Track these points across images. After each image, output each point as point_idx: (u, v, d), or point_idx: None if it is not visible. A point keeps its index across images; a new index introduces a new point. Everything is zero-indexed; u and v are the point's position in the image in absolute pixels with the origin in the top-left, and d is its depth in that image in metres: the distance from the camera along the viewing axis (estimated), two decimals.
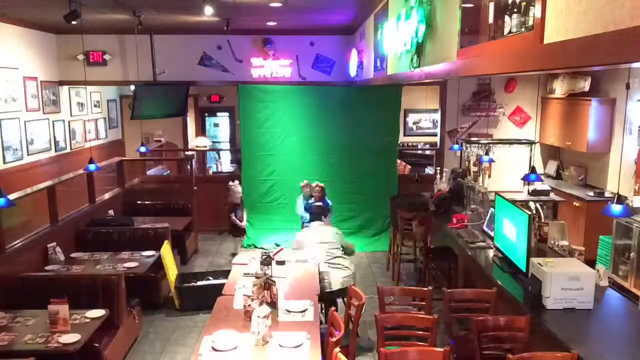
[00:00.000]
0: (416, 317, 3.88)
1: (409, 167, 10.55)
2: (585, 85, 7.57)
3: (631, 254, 5.68)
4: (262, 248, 8.28)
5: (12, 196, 4.69)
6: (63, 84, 8.60)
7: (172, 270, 6.03)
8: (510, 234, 4.46)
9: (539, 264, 3.79)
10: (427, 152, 11.84)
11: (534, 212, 5.30)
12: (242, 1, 6.13)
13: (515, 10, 2.60)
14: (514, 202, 4.71)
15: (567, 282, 3.59)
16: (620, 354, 3.20)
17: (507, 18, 2.69)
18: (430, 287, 4.19)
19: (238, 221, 8.73)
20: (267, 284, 3.90)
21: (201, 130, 13.16)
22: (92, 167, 6.25)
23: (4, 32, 7.13)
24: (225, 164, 12.86)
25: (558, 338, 3.20)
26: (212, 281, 6.09)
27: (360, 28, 7.71)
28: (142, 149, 8.31)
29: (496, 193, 5.19)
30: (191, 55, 8.66)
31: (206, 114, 13.76)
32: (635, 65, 2.34)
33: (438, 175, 7.52)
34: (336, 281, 4.97)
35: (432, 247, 6.02)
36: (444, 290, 4.06)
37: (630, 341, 3.42)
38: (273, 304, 3.82)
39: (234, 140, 13.58)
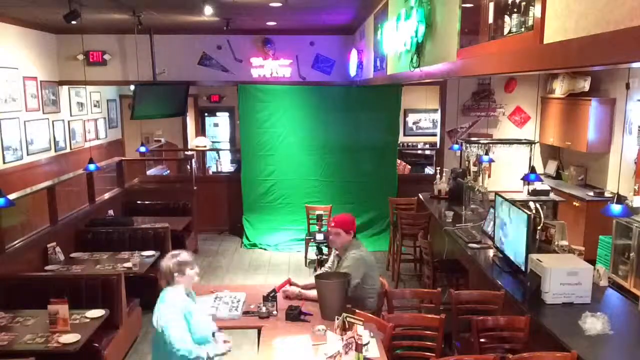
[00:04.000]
0: (423, 317, 3.79)
1: (409, 167, 10.55)
2: (585, 85, 7.58)
3: (631, 254, 5.68)
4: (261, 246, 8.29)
5: (12, 196, 4.69)
6: (63, 84, 8.61)
7: None
8: (510, 234, 4.46)
9: (538, 259, 3.83)
10: (427, 152, 11.85)
11: (534, 212, 5.28)
12: (242, 1, 6.13)
13: (515, 10, 2.60)
14: (513, 202, 4.71)
15: (566, 277, 3.69)
16: (613, 345, 3.27)
17: (507, 18, 2.69)
18: (439, 289, 4.14)
19: None
20: (348, 324, 3.10)
21: (201, 130, 13.16)
22: (92, 167, 6.25)
23: (4, 32, 7.13)
24: (225, 164, 12.86)
25: (557, 330, 3.29)
26: None
27: (360, 28, 7.71)
28: (142, 149, 8.32)
29: (496, 193, 5.18)
30: (191, 55, 8.66)
31: (206, 114, 13.76)
32: (635, 65, 2.34)
33: (438, 175, 7.52)
34: None
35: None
36: (450, 291, 4.05)
37: (626, 332, 3.47)
38: (359, 348, 2.94)
39: (233, 140, 13.58)
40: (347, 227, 4.21)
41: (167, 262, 3.28)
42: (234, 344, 5.18)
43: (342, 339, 3.04)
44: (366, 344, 3.22)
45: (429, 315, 3.73)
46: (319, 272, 4.56)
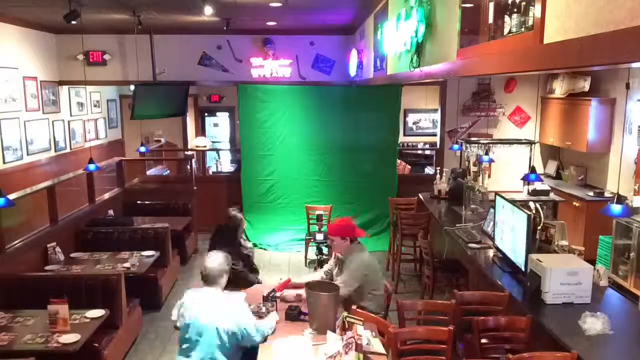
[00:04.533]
0: (431, 330, 3.61)
1: (409, 167, 10.55)
2: (585, 85, 7.58)
3: (631, 254, 5.68)
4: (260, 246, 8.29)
5: (12, 196, 4.69)
6: (63, 83, 8.61)
7: None
8: (510, 234, 4.46)
9: (537, 259, 3.83)
10: (427, 152, 11.85)
11: (534, 212, 5.28)
12: (242, 1, 6.13)
13: (515, 10, 2.60)
14: (513, 202, 4.71)
15: (566, 277, 3.68)
16: (614, 345, 3.27)
17: (507, 18, 2.69)
18: (453, 301, 3.96)
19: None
20: (348, 324, 3.05)
21: (201, 130, 13.16)
22: (92, 167, 6.25)
23: (4, 32, 7.13)
24: (225, 164, 12.86)
25: (557, 330, 3.30)
26: None
27: (360, 28, 7.72)
28: (142, 149, 8.32)
29: (496, 193, 5.18)
30: (191, 55, 8.66)
31: (206, 114, 13.76)
32: (635, 65, 2.34)
33: (438, 175, 7.52)
34: None
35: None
36: (454, 292, 4.03)
37: (626, 332, 3.47)
38: (359, 348, 2.94)
39: (233, 140, 13.58)
40: (341, 233, 4.17)
41: (223, 263, 3.47)
42: None
43: (342, 339, 3.04)
44: (367, 344, 3.21)
45: (437, 328, 3.58)
46: (317, 272, 4.55)
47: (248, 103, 8.67)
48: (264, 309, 3.72)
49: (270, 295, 3.76)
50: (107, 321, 4.31)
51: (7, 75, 7.10)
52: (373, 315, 3.73)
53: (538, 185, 6.32)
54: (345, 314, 3.17)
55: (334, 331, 3.23)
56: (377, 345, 3.21)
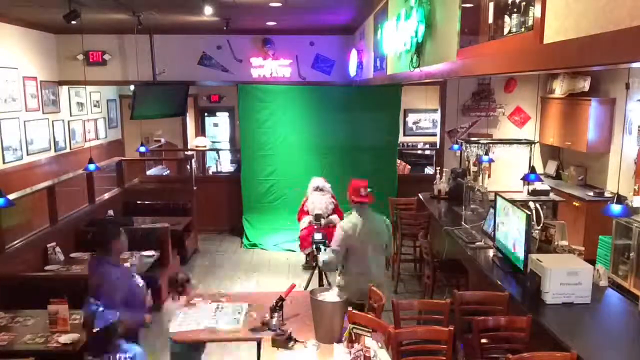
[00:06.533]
0: (431, 330, 3.57)
1: (409, 167, 10.55)
2: (585, 85, 7.58)
3: (631, 254, 5.68)
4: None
5: (12, 196, 4.68)
6: (63, 83, 8.60)
7: None
8: (510, 234, 4.46)
9: (537, 259, 3.83)
10: (427, 152, 11.85)
11: (534, 212, 5.28)
12: (242, 1, 6.13)
13: (515, 10, 2.61)
14: (513, 202, 4.71)
15: (566, 277, 3.69)
16: (613, 345, 3.27)
17: (506, 18, 2.69)
18: (448, 300, 3.96)
19: None
20: (355, 335, 3.00)
21: (201, 130, 13.16)
22: (91, 167, 6.25)
23: (4, 32, 7.13)
24: (225, 164, 12.85)
25: (557, 330, 3.30)
26: None
27: (360, 28, 7.72)
28: (142, 149, 8.31)
29: (496, 193, 5.19)
30: (191, 55, 8.66)
31: (206, 114, 13.75)
32: (635, 65, 2.34)
33: (438, 175, 7.52)
34: None
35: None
36: (454, 292, 4.03)
37: (625, 332, 3.48)
38: None
39: (233, 140, 13.58)
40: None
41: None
42: (235, 357, 5.11)
43: (350, 352, 2.97)
44: (374, 357, 3.16)
45: (438, 328, 3.55)
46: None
47: (248, 103, 8.67)
48: (274, 321, 3.47)
49: (277, 305, 3.51)
50: None
51: (7, 75, 7.10)
52: (375, 318, 3.70)
53: (538, 185, 6.33)
54: (352, 325, 3.07)
55: (339, 341, 3.18)
56: (383, 357, 3.17)
